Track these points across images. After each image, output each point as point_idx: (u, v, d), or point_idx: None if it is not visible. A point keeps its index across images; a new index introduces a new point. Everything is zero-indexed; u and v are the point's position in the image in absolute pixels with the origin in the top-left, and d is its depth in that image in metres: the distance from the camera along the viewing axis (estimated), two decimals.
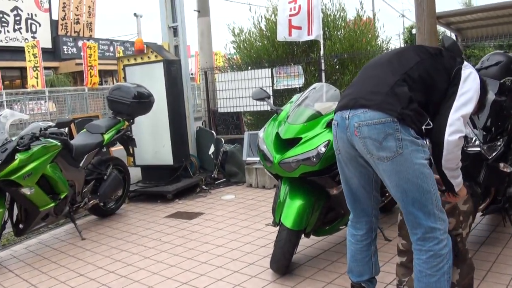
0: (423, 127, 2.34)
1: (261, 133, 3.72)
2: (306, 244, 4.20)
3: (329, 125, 3.31)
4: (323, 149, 3.25)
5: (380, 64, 2.58)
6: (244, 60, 8.11)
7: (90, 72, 21.27)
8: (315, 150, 3.27)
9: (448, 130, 2.28)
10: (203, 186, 6.75)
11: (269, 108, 4.24)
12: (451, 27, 15.06)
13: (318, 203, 3.53)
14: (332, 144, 3.10)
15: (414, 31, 25.28)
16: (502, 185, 3.70)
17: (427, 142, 2.46)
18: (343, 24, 8.01)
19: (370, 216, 2.75)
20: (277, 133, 3.54)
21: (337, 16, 8.01)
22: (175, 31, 7.15)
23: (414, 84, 2.38)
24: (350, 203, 2.76)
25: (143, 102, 5.77)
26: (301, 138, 3.41)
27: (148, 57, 6.56)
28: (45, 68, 22.74)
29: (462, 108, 2.33)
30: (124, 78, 6.71)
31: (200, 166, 7.19)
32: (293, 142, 3.43)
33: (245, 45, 8.11)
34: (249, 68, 7.66)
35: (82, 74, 22.12)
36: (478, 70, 3.55)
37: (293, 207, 3.42)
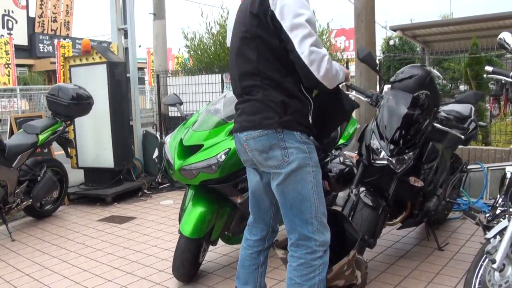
0: (310, 113, 2.37)
1: (167, 138, 3.65)
2: (223, 252, 4.16)
3: (232, 133, 3.27)
4: (223, 157, 3.18)
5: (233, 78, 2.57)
6: (196, 65, 8.08)
7: (63, 71, 21.01)
8: (215, 158, 3.20)
9: (305, 59, 2.15)
10: (145, 191, 6.66)
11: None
12: (417, 39, 15.28)
13: (222, 211, 3.46)
14: (233, 152, 3.05)
15: (391, 42, 25.63)
16: (416, 199, 3.67)
17: None
18: None
19: (267, 225, 2.73)
20: (181, 140, 3.47)
21: None
22: (125, 33, 7.06)
23: (271, 80, 2.32)
24: (251, 205, 2.74)
25: (81, 103, 5.66)
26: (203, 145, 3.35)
27: (93, 58, 6.45)
28: (20, 65, 22.50)
29: (302, 39, 2.16)
30: (70, 78, 6.61)
31: (145, 170, 7.10)
32: (199, 149, 3.36)
33: (198, 49, 8.08)
34: (202, 73, 7.62)
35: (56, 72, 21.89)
36: (392, 83, 3.55)
37: (193, 215, 3.35)
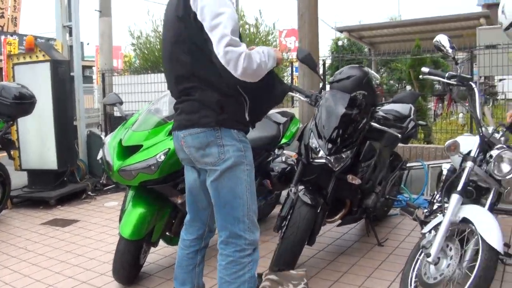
0: (246, 111, 2.42)
1: (107, 139, 3.61)
2: (165, 253, 4.14)
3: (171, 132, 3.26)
4: (162, 157, 3.18)
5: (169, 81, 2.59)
6: (143, 64, 8.01)
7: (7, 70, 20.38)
8: (154, 158, 3.19)
9: (222, 60, 2.15)
10: (89, 192, 6.55)
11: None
12: (363, 40, 15.62)
13: (163, 212, 3.45)
14: (172, 152, 3.05)
15: (340, 43, 26.02)
16: (355, 197, 3.76)
17: None
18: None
19: (204, 224, 2.74)
20: (121, 140, 3.43)
21: None
22: (70, 30, 6.92)
23: (206, 81, 2.34)
24: (188, 204, 2.75)
25: (24, 103, 5.50)
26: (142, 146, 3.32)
27: (36, 56, 6.29)
28: None
29: (219, 39, 2.15)
30: (13, 77, 6.42)
31: (89, 171, 6.97)
32: (138, 150, 3.34)
33: (144, 48, 8.01)
34: (148, 72, 7.56)
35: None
36: (330, 83, 3.63)
37: (132, 216, 3.32)
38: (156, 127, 3.42)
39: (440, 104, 11.65)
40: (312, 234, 3.52)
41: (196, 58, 2.32)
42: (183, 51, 2.35)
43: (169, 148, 3.16)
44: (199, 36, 2.25)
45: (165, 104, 3.59)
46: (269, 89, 2.52)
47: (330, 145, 3.40)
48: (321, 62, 7.06)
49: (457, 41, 13.15)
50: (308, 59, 3.57)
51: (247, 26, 8.44)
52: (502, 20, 3.15)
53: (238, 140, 2.39)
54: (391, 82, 19.73)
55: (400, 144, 5.00)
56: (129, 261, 3.37)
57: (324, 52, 24.64)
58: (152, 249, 3.81)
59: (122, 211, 3.51)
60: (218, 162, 2.35)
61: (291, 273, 3.34)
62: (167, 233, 3.66)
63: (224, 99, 2.34)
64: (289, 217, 3.44)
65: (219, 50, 2.13)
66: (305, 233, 3.40)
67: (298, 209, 3.40)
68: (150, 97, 7.29)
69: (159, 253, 4.13)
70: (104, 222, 5.30)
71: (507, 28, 3.14)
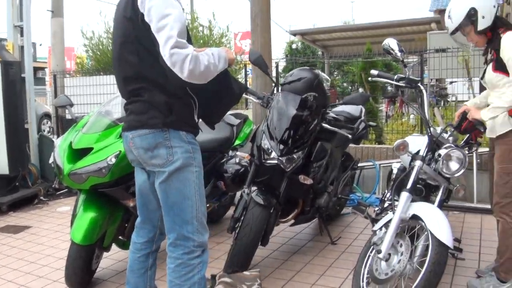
0: (195, 113, 2.43)
1: (58, 142, 3.55)
2: (118, 258, 4.09)
3: None
4: (113, 160, 3.15)
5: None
6: (95, 66, 7.90)
7: None
8: (105, 161, 3.16)
9: (168, 62, 2.14)
10: (42, 197, 6.40)
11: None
12: (317, 43, 15.85)
13: (115, 216, 3.41)
14: (123, 154, 3.02)
15: (294, 45, 26.22)
16: (307, 196, 3.82)
17: None
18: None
19: (155, 227, 2.72)
20: (71, 143, 3.38)
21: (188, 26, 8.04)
22: (21, 30, 6.74)
23: (154, 82, 2.33)
24: (139, 206, 2.72)
25: None
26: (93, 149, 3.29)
27: None
28: None
29: (165, 41, 2.14)
30: None
31: (41, 175, 6.81)
32: (89, 153, 3.29)
33: (96, 50, 7.90)
34: (101, 73, 7.46)
35: None
36: (282, 85, 3.68)
37: (83, 221, 3.26)
38: (107, 129, 3.38)
39: (392, 106, 11.90)
40: (265, 234, 3.56)
41: (144, 59, 2.31)
42: (131, 52, 2.34)
43: (120, 151, 3.13)
44: (146, 37, 2.24)
45: (117, 106, 3.56)
46: (225, 89, 2.53)
47: (281, 146, 3.44)
48: (274, 65, 7.14)
49: (409, 45, 13.55)
50: (260, 61, 3.61)
51: (200, 28, 8.44)
52: (449, 25, 3.26)
53: (187, 142, 2.39)
54: (344, 84, 20.05)
55: (352, 145, 5.10)
56: (81, 266, 3.32)
57: (279, 54, 24.82)
58: (105, 253, 3.76)
59: (74, 215, 3.45)
60: (166, 164, 2.34)
61: (245, 274, 3.37)
62: (119, 237, 3.62)
63: (172, 101, 2.34)
64: (242, 218, 3.47)
65: (165, 52, 2.13)
66: (258, 233, 3.43)
67: (251, 210, 3.43)
68: (102, 99, 7.20)
69: (113, 258, 4.08)
70: (57, 227, 5.20)
71: (453, 33, 3.26)
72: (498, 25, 3.12)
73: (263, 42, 5.46)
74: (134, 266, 2.72)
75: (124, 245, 3.69)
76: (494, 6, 3.12)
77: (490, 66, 3.14)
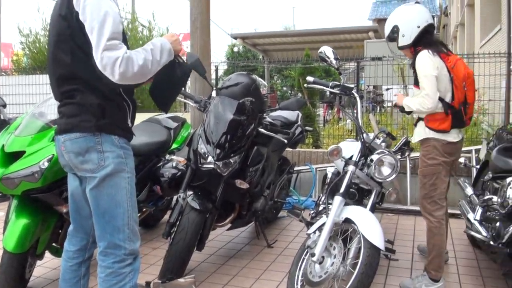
0: (129, 116, 2.38)
1: None
2: (53, 265, 3.94)
3: None
4: (46, 164, 3.03)
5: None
6: (31, 64, 7.64)
7: None
8: (37, 165, 3.03)
9: (99, 65, 2.09)
10: None
11: None
12: (257, 48, 15.98)
13: (48, 222, 3.29)
14: (56, 158, 2.92)
15: (236, 49, 26.28)
16: (244, 201, 3.84)
17: None
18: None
19: (88, 234, 2.63)
20: (3, 146, 3.24)
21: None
22: None
23: (87, 83, 2.26)
24: (71, 212, 2.62)
25: None
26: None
27: None
28: None
29: (97, 43, 2.09)
30: None
31: None
32: (21, 156, 3.16)
33: (33, 47, 7.64)
34: (37, 72, 7.22)
35: None
36: (219, 90, 3.68)
37: (15, 228, 3.11)
38: (40, 131, 3.25)
39: (330, 111, 12.16)
40: (201, 239, 3.55)
41: (77, 59, 2.23)
42: (65, 51, 2.25)
43: (53, 154, 3.01)
44: (80, 37, 2.18)
45: (51, 107, 3.43)
46: (174, 71, 2.46)
47: (218, 151, 3.45)
48: (213, 68, 7.13)
49: (347, 52, 13.87)
50: (197, 65, 3.58)
51: (140, 29, 8.32)
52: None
53: (119, 147, 2.32)
54: (284, 88, 20.30)
55: (289, 149, 5.18)
56: (14, 275, 3.15)
57: (221, 57, 24.81)
58: (39, 262, 3.61)
59: (6, 222, 3.30)
60: (97, 169, 2.27)
61: (180, 281, 3.34)
62: (53, 244, 3.49)
63: (105, 103, 2.27)
64: (178, 223, 3.45)
65: (96, 55, 2.08)
66: (194, 238, 3.42)
67: (187, 214, 3.42)
68: (38, 99, 6.97)
69: (46, 266, 3.93)
70: None
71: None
72: (419, 44, 3.37)
73: (202, 45, 5.45)
74: (66, 275, 2.62)
75: (57, 252, 3.55)
76: (418, 27, 3.36)
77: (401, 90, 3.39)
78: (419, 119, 3.46)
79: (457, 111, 3.32)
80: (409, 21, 3.40)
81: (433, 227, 3.36)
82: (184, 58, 2.59)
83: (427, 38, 3.40)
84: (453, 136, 3.34)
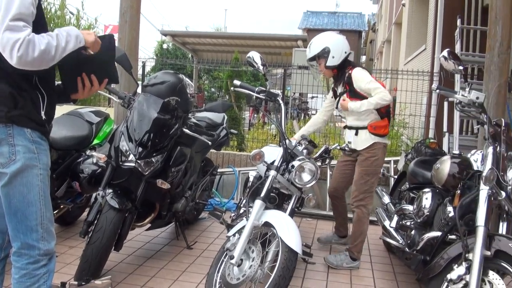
0: (42, 109, 2.22)
1: None
2: None
3: None
4: None
5: None
6: None
7: None
8: None
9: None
10: None
11: None
12: (187, 46, 15.88)
13: None
14: None
15: (165, 46, 25.93)
16: (164, 201, 3.80)
17: None
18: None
19: (3, 233, 2.48)
20: None
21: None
22: None
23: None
24: None
25: None
26: None
27: None
28: None
29: (3, 19, 1.96)
30: None
31: None
32: None
33: None
34: None
35: None
36: (144, 87, 3.62)
37: None
38: None
39: (255, 115, 12.27)
40: (119, 239, 3.47)
41: None
42: None
43: None
44: None
45: None
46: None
47: (140, 149, 3.38)
48: (140, 64, 7.01)
49: (276, 58, 14.02)
50: (123, 60, 3.52)
51: (68, 17, 8.02)
52: (307, 53, 4.14)
53: (31, 141, 2.19)
54: (213, 89, 20.27)
55: (213, 150, 5.17)
56: None
57: (150, 54, 24.42)
58: None
59: None
60: (7, 164, 2.14)
61: (96, 283, 3.24)
62: None
63: (17, 93, 2.14)
64: (96, 221, 3.36)
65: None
66: (111, 238, 3.33)
67: (105, 213, 3.32)
68: None
69: None
70: None
71: (310, 59, 4.16)
72: (346, 65, 4.04)
73: (131, 39, 5.33)
74: None
75: None
76: (345, 52, 4.03)
77: (344, 96, 4.03)
78: (359, 128, 4.02)
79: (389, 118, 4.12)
80: (339, 46, 4.02)
81: (363, 217, 4.02)
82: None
83: (350, 62, 4.11)
84: (387, 140, 4.07)
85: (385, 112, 4.03)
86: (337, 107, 4.17)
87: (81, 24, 8.10)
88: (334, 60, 3.98)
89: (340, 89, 4.12)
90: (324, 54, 3.99)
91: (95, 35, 2.29)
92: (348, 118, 4.12)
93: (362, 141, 4.01)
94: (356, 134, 4.04)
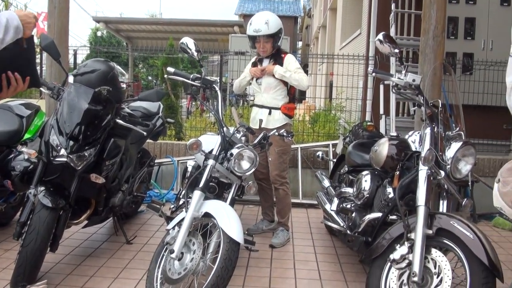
0: None
1: None
2: None
3: None
4: None
5: None
6: None
7: None
8: None
9: None
10: None
11: None
12: (121, 34, 15.50)
13: None
14: None
15: (99, 33, 25.21)
16: (100, 196, 3.65)
17: None
18: None
19: None
20: None
21: None
22: None
23: None
24: None
25: None
26: None
27: None
28: None
29: None
30: None
31: None
32: None
33: None
34: None
35: None
36: (74, 76, 3.44)
37: None
38: None
39: (193, 103, 12.12)
40: (54, 239, 3.30)
41: None
42: None
43: None
44: None
45: None
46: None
47: (71, 143, 3.21)
48: (71, 52, 6.73)
49: (212, 45, 13.91)
50: (51, 48, 3.33)
51: None
52: (263, 29, 4.17)
53: None
54: (150, 78, 19.91)
55: (150, 141, 5.03)
56: None
57: (84, 42, 23.67)
58: None
59: None
60: None
61: None
62: None
63: None
64: (29, 222, 3.17)
65: None
66: (46, 239, 3.15)
67: (38, 212, 3.14)
68: None
69: None
70: None
71: (266, 36, 4.21)
72: (281, 51, 4.36)
73: (60, 26, 5.08)
74: None
75: None
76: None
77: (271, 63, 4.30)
78: (273, 108, 4.30)
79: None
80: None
81: (286, 193, 4.40)
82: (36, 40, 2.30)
83: (283, 50, 4.43)
84: None
85: (293, 97, 4.43)
86: (257, 81, 4.41)
87: (10, 10, 7.69)
88: (281, 42, 4.32)
89: (265, 64, 4.38)
90: (279, 34, 4.24)
91: (34, 16, 2.05)
92: (264, 95, 4.37)
93: (275, 120, 4.30)
94: (270, 113, 4.31)
